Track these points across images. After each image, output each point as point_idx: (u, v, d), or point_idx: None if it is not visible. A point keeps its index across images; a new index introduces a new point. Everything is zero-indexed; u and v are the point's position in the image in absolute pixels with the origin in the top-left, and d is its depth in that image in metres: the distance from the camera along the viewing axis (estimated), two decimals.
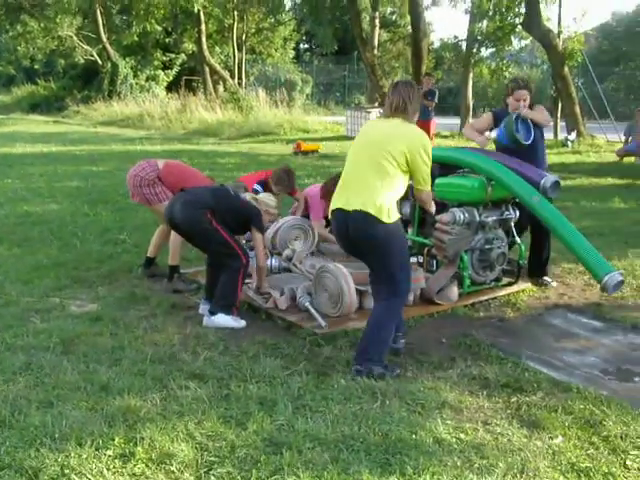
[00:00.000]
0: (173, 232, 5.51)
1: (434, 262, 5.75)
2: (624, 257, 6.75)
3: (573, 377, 4.17)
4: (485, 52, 23.02)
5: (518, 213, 5.68)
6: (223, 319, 4.77)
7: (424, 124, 13.70)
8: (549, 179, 5.34)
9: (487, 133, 6.02)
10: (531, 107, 5.82)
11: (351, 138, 20.32)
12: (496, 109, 6.32)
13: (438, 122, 19.37)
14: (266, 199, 5.52)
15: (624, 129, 15.59)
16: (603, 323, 5.18)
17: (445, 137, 20.32)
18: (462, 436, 3.34)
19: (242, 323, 4.84)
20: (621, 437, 3.39)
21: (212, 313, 4.78)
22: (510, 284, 5.85)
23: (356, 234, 4.04)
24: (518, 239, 5.83)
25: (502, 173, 5.30)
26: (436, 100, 14.34)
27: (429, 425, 3.42)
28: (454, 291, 5.40)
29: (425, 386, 3.90)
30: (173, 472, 2.94)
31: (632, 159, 14.90)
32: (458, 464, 3.07)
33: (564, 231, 5.15)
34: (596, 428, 3.48)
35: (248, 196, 5.37)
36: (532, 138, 5.69)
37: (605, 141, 18.38)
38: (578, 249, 5.10)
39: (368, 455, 3.10)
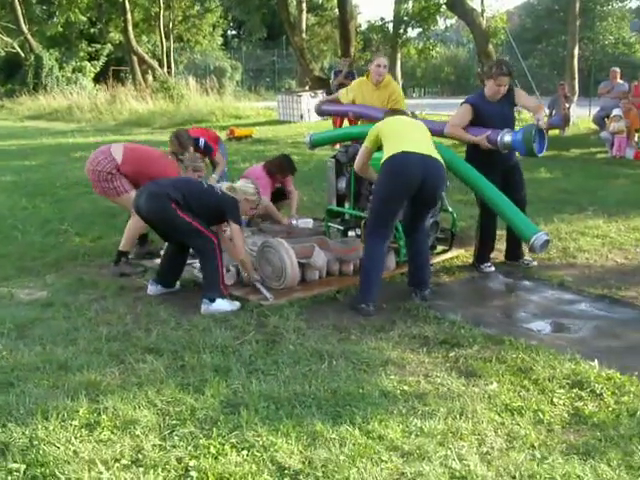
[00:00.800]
0: (133, 220, 5.60)
1: None
2: (550, 222, 7.14)
3: (505, 331, 4.47)
4: (412, 32, 23.44)
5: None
6: (221, 304, 4.79)
7: None
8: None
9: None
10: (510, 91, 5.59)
11: (283, 122, 20.51)
12: (471, 98, 5.80)
13: None
14: (244, 187, 5.28)
15: (548, 103, 16.12)
16: (532, 282, 5.52)
17: None
18: (405, 388, 3.61)
19: (237, 305, 4.86)
20: (549, 379, 3.71)
21: (211, 300, 4.78)
22: (444, 251, 6.15)
23: (434, 177, 4.86)
24: (450, 208, 6.14)
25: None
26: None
27: (374, 380, 3.68)
28: (392, 260, 5.66)
29: (369, 347, 4.15)
30: (138, 436, 3.11)
31: (557, 131, 15.47)
32: (403, 412, 3.33)
33: (493, 196, 5.45)
34: (527, 373, 3.79)
35: (224, 185, 5.26)
36: (545, 147, 5.48)
37: (531, 115, 18.93)
38: (507, 212, 5.41)
39: (319, 409, 3.33)
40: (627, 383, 3.64)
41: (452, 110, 25.07)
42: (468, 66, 43.22)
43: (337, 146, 12.52)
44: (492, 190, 5.46)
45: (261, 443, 3.00)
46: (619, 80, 14.61)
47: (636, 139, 12.97)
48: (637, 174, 10.60)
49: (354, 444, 3.00)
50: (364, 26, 28.33)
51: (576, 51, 19.02)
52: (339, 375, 3.73)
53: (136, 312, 4.80)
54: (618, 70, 14.74)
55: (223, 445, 3.01)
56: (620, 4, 40.50)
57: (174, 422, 3.23)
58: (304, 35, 24.12)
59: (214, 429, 3.14)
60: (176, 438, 3.09)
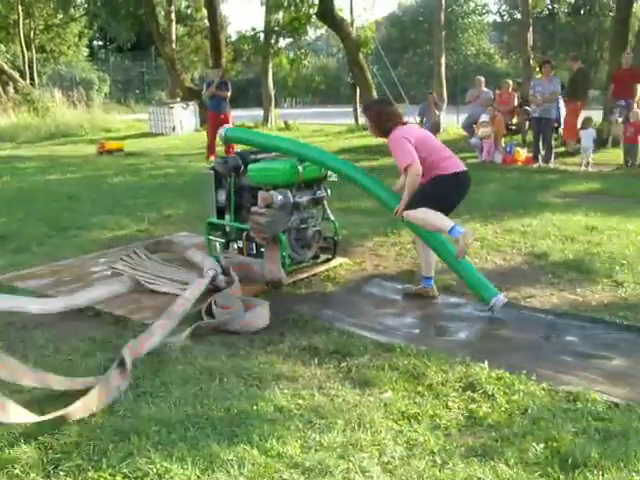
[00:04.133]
0: None
1: (254, 246, 5.90)
2: None
3: (395, 337, 4.48)
4: (283, 42, 23.50)
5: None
6: None
7: (224, 116, 13.84)
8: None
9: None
10: None
11: (155, 135, 20.10)
12: None
13: (243, 114, 19.61)
14: None
15: (418, 111, 16.58)
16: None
17: (250, 127, 20.56)
18: (300, 402, 3.52)
19: None
20: (442, 384, 3.73)
21: None
22: (328, 260, 6.13)
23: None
24: (332, 216, 6.13)
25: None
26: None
27: (268, 396, 3.57)
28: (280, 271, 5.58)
29: (259, 361, 4.04)
30: (18, 475, 2.87)
31: None
32: (300, 426, 3.25)
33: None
34: (420, 379, 3.79)
35: None
36: None
37: None
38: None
39: (214, 430, 3.19)
40: (516, 382, 3.71)
41: (324, 119, 25.40)
42: (338, 76, 43.89)
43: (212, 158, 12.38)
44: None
45: (155, 471, 2.83)
46: (484, 88, 15.20)
47: (502, 144, 13.54)
48: (506, 178, 11.02)
49: (253, 464, 2.89)
50: (234, 37, 28.24)
51: (443, 60, 19.64)
52: (231, 392, 3.60)
53: (9, 338, 4.48)
54: (483, 79, 15.34)
55: (114, 476, 2.82)
56: (479, 17, 42.32)
57: (58, 456, 3.00)
58: (174, 46, 23.70)
59: (103, 459, 2.94)
60: (62, 473, 2.87)
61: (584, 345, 4.35)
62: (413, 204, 4.91)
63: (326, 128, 20.49)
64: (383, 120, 5.17)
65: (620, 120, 12.66)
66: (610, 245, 6.44)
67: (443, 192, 4.96)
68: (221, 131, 6.33)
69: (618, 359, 4.13)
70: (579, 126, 13.08)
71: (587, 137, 12.20)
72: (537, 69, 16.20)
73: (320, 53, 45.47)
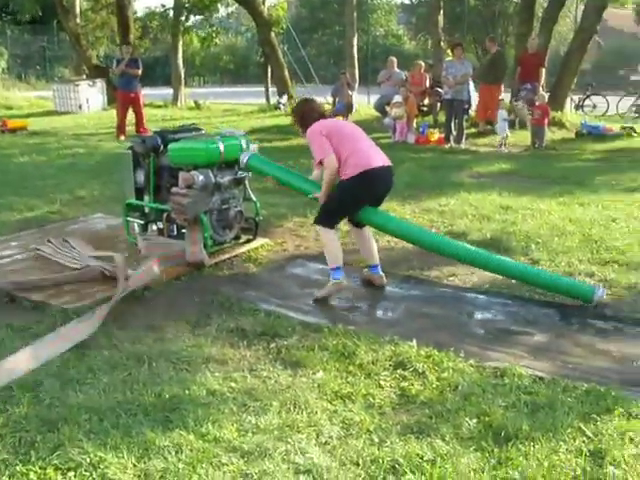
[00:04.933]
0: None
1: (174, 227, 5.79)
2: None
3: (322, 318, 4.49)
4: (193, 20, 22.99)
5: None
6: None
7: (134, 95, 13.50)
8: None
9: None
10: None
11: (61, 113, 19.40)
12: None
13: (151, 93, 19.16)
14: None
15: (331, 91, 16.58)
16: None
17: (159, 107, 20.16)
18: (233, 385, 3.47)
19: None
20: (372, 363, 3.75)
21: None
22: (249, 241, 6.07)
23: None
24: (253, 197, 6.06)
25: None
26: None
27: (199, 379, 3.51)
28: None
29: (187, 344, 3.96)
30: None
31: (340, 118, 15.93)
32: (235, 410, 3.21)
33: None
34: (350, 358, 3.81)
35: None
36: None
37: None
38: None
39: (147, 416, 3.12)
40: (445, 359, 3.77)
41: (235, 98, 25.02)
42: (247, 55, 43.46)
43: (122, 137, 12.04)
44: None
45: (89, 461, 2.74)
46: (396, 69, 15.35)
47: (415, 125, 13.73)
48: (420, 158, 11.18)
49: (191, 450, 2.84)
50: (142, 13, 27.46)
51: (355, 41, 19.70)
52: (161, 377, 3.52)
53: None
54: (395, 60, 15.48)
55: (45, 469, 2.70)
56: None
57: None
58: (78, 20, 22.83)
59: (32, 452, 2.82)
60: None
61: (507, 322, 4.47)
62: (330, 205, 4.97)
63: (237, 108, 20.26)
64: (305, 118, 5.18)
65: (521, 104, 13.04)
66: (525, 224, 6.63)
67: (357, 194, 4.92)
68: (243, 158, 5.52)
69: (539, 334, 4.25)
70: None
71: (501, 119, 12.48)
72: (447, 51, 16.45)
73: (229, 31, 44.87)
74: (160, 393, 3.34)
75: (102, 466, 2.71)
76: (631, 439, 2.97)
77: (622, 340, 4.17)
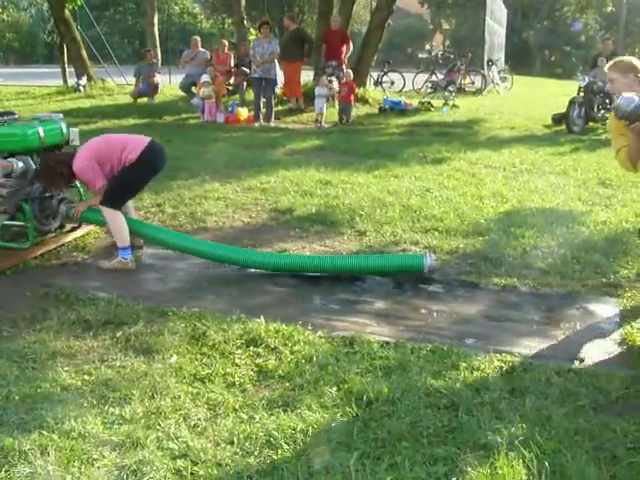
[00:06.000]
0: None
1: None
2: (169, 189, 7.19)
3: (164, 302, 4.40)
4: None
5: None
6: None
7: None
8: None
9: None
10: None
11: None
12: None
13: None
14: None
15: (133, 71, 16.10)
16: (172, 252, 5.48)
17: None
18: (86, 377, 3.37)
19: None
20: (225, 342, 3.78)
21: None
22: (74, 229, 5.83)
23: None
24: (77, 182, 5.81)
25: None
26: None
27: (49, 376, 3.36)
28: None
29: (28, 341, 3.77)
30: None
31: (145, 99, 15.57)
32: (94, 402, 3.11)
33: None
34: (202, 340, 3.81)
35: None
36: None
37: (115, 84, 18.76)
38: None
39: (1, 421, 2.94)
40: (295, 333, 3.87)
41: (26, 80, 23.56)
42: (33, 33, 40.99)
43: None
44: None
45: None
46: (201, 48, 15.20)
47: (223, 104, 13.70)
48: (233, 137, 11.18)
49: (58, 449, 2.72)
50: None
51: (156, 19, 19.24)
52: (6, 378, 3.33)
53: None
54: (199, 39, 15.33)
55: None
56: None
57: None
58: None
59: None
60: None
61: (346, 292, 4.64)
62: (111, 193, 5.12)
63: (31, 90, 19.09)
64: (57, 176, 5.16)
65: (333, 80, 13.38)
66: (347, 198, 6.88)
67: (135, 177, 5.24)
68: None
69: (378, 302, 4.47)
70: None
71: (318, 95, 12.71)
72: (250, 30, 16.51)
73: (17, 7, 42.10)
74: (8, 395, 3.16)
75: None
76: (477, 390, 3.23)
77: (452, 301, 4.48)
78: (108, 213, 5.11)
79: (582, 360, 3.63)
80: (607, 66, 4.23)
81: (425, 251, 5.22)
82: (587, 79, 12.26)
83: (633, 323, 4.11)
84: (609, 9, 44.20)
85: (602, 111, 12.30)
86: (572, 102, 12.04)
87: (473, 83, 20.64)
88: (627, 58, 4.26)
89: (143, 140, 5.26)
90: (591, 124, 12.35)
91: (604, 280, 4.82)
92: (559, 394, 3.20)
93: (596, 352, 3.76)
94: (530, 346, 3.80)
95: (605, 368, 3.52)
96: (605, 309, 4.37)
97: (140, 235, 5.37)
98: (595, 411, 3.07)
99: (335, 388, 3.25)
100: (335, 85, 12.90)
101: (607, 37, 12.86)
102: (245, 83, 14.71)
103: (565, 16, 44.17)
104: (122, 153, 5.10)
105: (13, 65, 37.14)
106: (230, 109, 13.54)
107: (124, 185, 5.22)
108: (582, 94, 12.19)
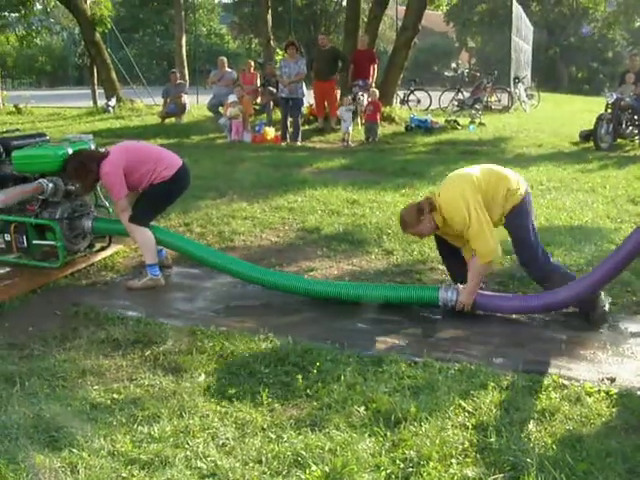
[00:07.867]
0: None
1: (24, 238, 5.51)
2: (197, 209, 7.25)
3: (192, 321, 4.44)
4: (11, 17, 21.60)
5: None
6: None
7: None
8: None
9: None
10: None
11: None
12: None
13: None
14: None
15: (162, 92, 16.30)
16: (200, 270, 5.53)
17: None
18: (115, 396, 3.39)
19: None
20: (253, 361, 3.77)
21: None
22: (103, 248, 5.89)
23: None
24: (105, 202, 5.89)
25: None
26: None
27: (79, 394, 3.40)
28: None
29: (59, 360, 3.81)
30: None
31: (173, 120, 15.74)
32: (123, 421, 3.13)
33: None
34: (230, 359, 3.82)
35: None
36: None
37: (143, 105, 19.00)
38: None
39: (30, 439, 2.97)
40: (323, 352, 3.86)
41: (58, 102, 23.91)
42: (64, 56, 41.72)
43: None
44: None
45: None
46: (227, 68, 15.36)
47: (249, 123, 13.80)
48: (260, 156, 11.26)
49: (87, 467, 2.74)
50: None
51: (184, 41, 19.47)
52: (37, 397, 3.37)
53: None
54: (225, 59, 15.53)
55: None
56: None
57: None
58: None
59: None
60: None
61: (372, 312, 4.62)
62: (141, 210, 5.18)
63: (62, 111, 19.43)
64: (85, 173, 5.11)
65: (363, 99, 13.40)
66: (374, 217, 6.88)
67: (167, 196, 5.30)
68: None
69: (405, 321, 4.46)
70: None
71: (346, 115, 12.77)
72: (277, 50, 16.65)
73: (50, 31, 42.93)
74: (39, 413, 3.19)
75: None
76: (506, 410, 3.20)
77: (480, 320, 4.45)
78: (137, 231, 5.16)
79: (613, 380, 3.59)
80: None
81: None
82: (615, 95, 12.17)
83: None
84: (637, 25, 43.92)
85: (630, 127, 12.22)
86: (600, 119, 11.96)
87: (499, 101, 20.60)
88: None
89: (178, 159, 5.32)
90: (619, 141, 12.26)
91: (634, 299, 4.76)
92: (589, 415, 3.16)
93: (627, 372, 3.71)
94: (559, 365, 3.76)
95: (636, 388, 3.48)
96: (636, 328, 4.32)
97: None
98: (627, 432, 3.03)
99: (363, 407, 3.24)
100: (363, 99, 12.94)
101: (635, 53, 12.79)
102: (272, 103, 14.81)
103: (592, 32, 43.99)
104: (156, 166, 5.11)
105: (45, 88, 37.81)
106: (257, 129, 13.63)
107: (159, 202, 5.30)
108: (610, 111, 12.10)
